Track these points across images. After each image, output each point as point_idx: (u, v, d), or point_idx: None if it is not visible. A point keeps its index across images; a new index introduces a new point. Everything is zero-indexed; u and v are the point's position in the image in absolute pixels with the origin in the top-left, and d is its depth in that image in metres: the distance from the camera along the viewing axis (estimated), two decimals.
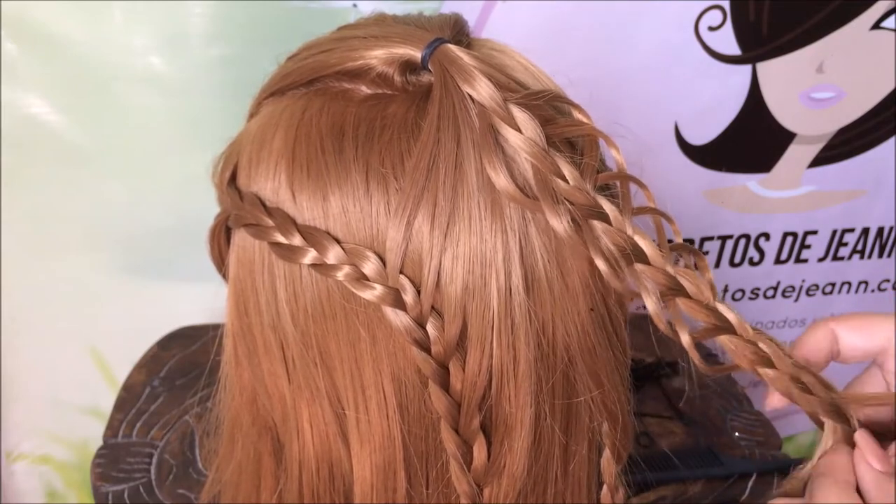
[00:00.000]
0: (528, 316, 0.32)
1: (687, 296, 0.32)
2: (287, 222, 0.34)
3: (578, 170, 0.32)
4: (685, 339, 0.32)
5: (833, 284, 0.95)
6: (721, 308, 0.32)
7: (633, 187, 0.35)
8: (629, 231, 0.32)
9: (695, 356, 0.32)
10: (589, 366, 0.34)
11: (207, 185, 0.40)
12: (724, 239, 0.88)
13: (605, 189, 0.33)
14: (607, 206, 0.32)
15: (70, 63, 0.66)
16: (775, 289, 0.93)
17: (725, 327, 0.32)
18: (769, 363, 0.32)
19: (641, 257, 0.32)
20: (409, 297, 0.32)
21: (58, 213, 0.74)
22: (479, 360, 0.33)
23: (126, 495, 0.52)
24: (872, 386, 0.37)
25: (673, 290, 0.32)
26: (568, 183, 0.31)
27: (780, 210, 0.87)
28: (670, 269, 0.32)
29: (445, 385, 0.33)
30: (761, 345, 0.33)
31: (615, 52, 0.72)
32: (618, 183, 0.34)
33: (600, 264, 0.31)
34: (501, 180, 0.31)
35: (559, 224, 0.31)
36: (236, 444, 0.41)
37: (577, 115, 0.35)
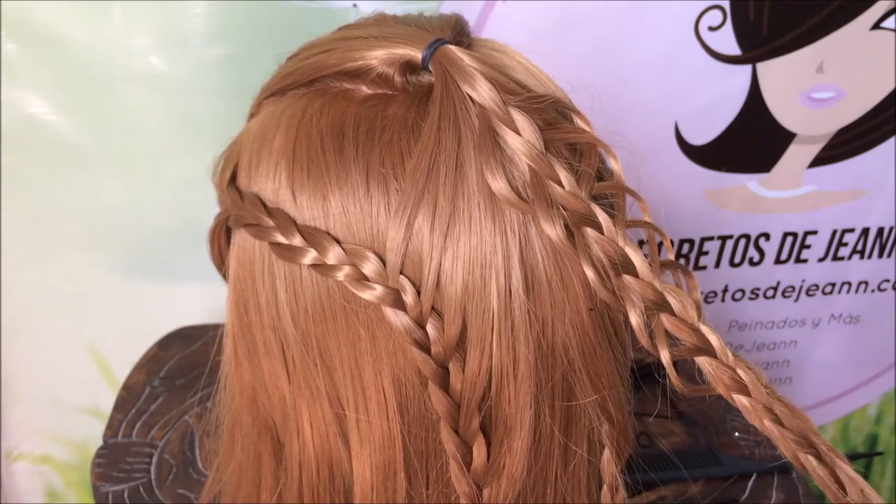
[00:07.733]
0: (527, 317, 0.32)
1: (672, 313, 0.32)
2: (287, 222, 0.34)
3: (576, 176, 0.32)
4: (665, 356, 0.32)
5: (833, 284, 0.95)
6: (704, 329, 0.32)
7: (629, 199, 0.35)
8: (621, 242, 0.32)
9: (672, 374, 0.32)
10: (589, 367, 0.34)
11: (207, 185, 0.40)
12: (724, 239, 0.88)
13: (601, 198, 0.33)
14: (601, 216, 0.32)
15: (70, 63, 0.66)
16: (775, 289, 0.93)
17: (706, 349, 0.32)
18: (745, 391, 0.32)
19: (630, 270, 0.32)
20: (409, 297, 0.32)
21: (58, 213, 0.74)
22: (479, 361, 0.33)
23: (126, 495, 0.52)
24: None
25: (658, 305, 0.32)
26: (564, 188, 0.31)
27: (780, 210, 0.87)
28: (658, 285, 0.32)
29: (445, 385, 0.33)
30: (740, 371, 0.32)
31: (615, 52, 0.72)
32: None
33: (589, 273, 0.31)
34: (497, 182, 0.31)
35: (552, 229, 0.31)
36: (236, 444, 0.41)
37: (578, 122, 0.34)
